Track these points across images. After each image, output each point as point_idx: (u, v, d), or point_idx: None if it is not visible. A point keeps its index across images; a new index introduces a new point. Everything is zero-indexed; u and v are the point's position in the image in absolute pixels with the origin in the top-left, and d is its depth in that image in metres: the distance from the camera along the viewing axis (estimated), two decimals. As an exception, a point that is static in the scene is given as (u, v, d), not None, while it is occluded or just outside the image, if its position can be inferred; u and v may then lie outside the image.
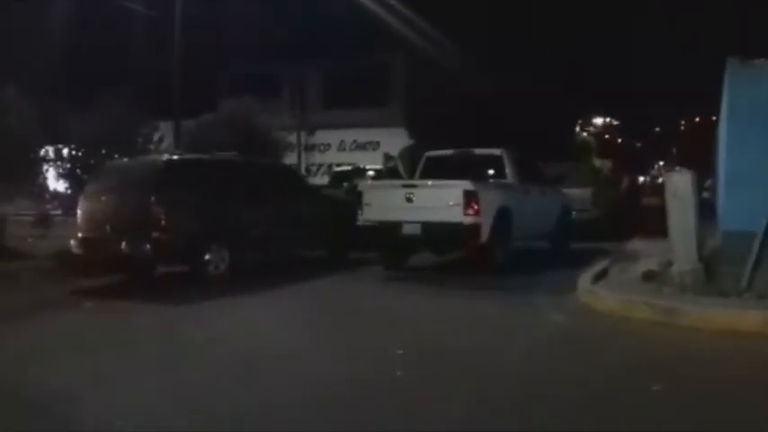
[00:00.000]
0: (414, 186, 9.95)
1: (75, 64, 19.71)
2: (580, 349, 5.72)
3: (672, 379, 4.68)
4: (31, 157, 13.75)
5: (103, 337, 6.37)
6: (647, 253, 9.92)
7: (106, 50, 20.50)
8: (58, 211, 15.68)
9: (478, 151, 11.14)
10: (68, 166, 15.49)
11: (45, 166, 15.39)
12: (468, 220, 9.16)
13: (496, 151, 10.89)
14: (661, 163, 66.84)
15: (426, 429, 3.95)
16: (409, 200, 9.58)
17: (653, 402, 4.24)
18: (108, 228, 9.08)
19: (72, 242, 9.50)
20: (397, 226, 9.58)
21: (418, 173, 11.44)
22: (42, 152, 15.21)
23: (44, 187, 15.77)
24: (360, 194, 10.13)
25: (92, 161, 14.32)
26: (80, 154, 15.08)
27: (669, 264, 7.66)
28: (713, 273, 7.20)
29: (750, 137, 7.72)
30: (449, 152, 11.27)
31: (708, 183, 20.35)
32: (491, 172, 10.78)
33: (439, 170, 10.78)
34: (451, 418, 4.05)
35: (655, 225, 11.34)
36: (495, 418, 4.05)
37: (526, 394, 4.47)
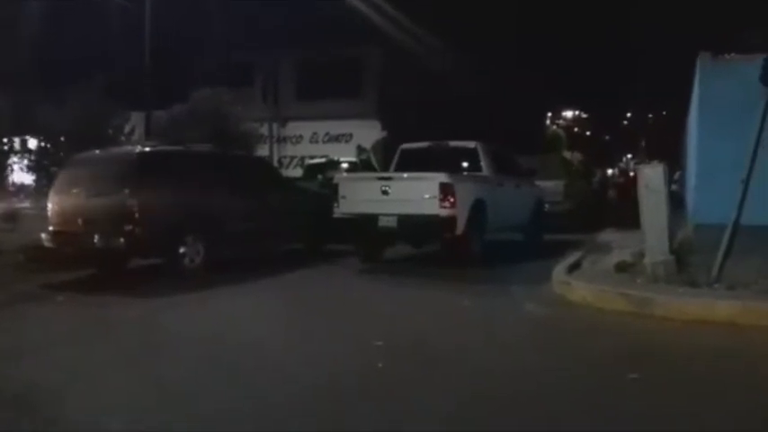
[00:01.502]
0: (389, 179, 9.96)
1: (44, 53, 19.27)
2: (556, 339, 5.81)
3: (648, 367, 4.78)
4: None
5: (77, 331, 6.28)
6: (619, 244, 10.08)
7: (76, 39, 20.08)
8: (25, 204, 15.38)
9: (453, 144, 11.17)
10: (34, 158, 15.19)
11: (11, 158, 15.08)
12: (444, 212, 9.20)
13: (471, 144, 10.94)
14: (629, 156, 67.87)
15: (407, 422, 3.98)
16: (385, 192, 9.60)
17: (631, 391, 4.32)
18: (80, 221, 8.93)
19: (43, 236, 9.31)
20: (372, 218, 9.58)
21: (393, 165, 11.44)
22: (8, 144, 14.88)
23: (7, 179, 15.45)
24: (335, 187, 10.12)
25: (61, 153, 14.05)
26: (49, 146, 14.80)
27: (641, 255, 7.79)
28: (684, 264, 7.34)
29: (720, 131, 7.88)
30: (424, 144, 11.25)
31: (676, 175, 20.75)
32: (466, 164, 10.84)
33: (414, 162, 10.78)
34: (431, 410, 4.07)
35: (625, 216, 11.56)
36: (475, 408, 4.09)
37: (504, 385, 4.51)
